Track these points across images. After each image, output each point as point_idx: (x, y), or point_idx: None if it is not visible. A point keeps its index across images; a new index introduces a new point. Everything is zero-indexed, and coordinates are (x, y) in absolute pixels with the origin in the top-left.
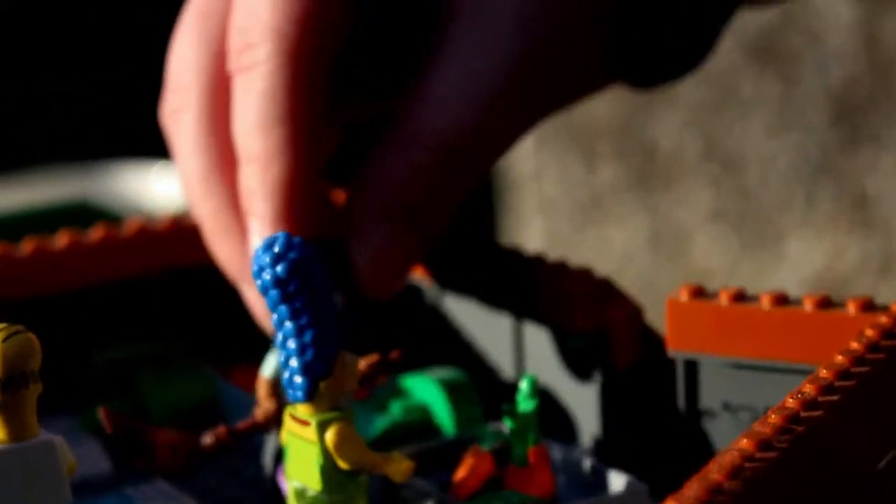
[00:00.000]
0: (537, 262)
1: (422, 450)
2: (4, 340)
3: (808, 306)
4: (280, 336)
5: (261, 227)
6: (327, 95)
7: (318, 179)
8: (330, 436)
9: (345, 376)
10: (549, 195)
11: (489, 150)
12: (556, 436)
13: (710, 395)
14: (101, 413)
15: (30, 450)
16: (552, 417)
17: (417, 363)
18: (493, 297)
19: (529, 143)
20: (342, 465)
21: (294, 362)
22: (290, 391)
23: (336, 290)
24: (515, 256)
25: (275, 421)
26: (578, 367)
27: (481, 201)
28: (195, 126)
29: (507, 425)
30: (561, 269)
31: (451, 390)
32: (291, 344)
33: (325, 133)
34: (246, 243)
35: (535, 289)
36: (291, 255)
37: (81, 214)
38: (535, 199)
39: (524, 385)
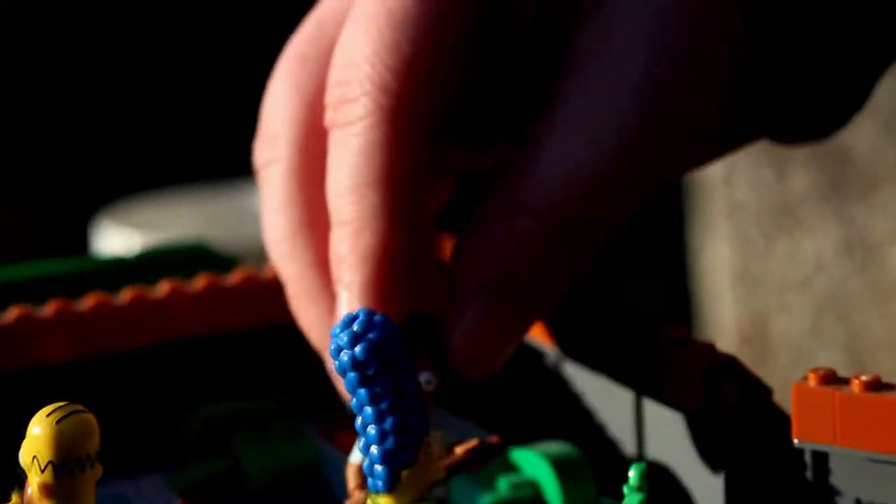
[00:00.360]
0: (659, 332)
1: None
2: (59, 422)
3: None
4: (359, 421)
5: (349, 297)
6: (433, 152)
7: (419, 248)
8: None
9: (430, 465)
10: (739, 200)
11: (606, 221)
12: None
13: (842, 491)
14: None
15: None
16: (671, 499)
17: (532, 434)
18: (613, 367)
19: None
20: None
21: (374, 450)
22: (370, 481)
23: (432, 371)
24: (637, 325)
25: None
26: (699, 449)
27: (669, 205)
28: (284, 181)
29: None
30: (681, 341)
31: (564, 468)
32: (371, 430)
33: (430, 193)
34: (331, 310)
35: (653, 362)
36: (371, 335)
37: (195, 257)
38: (725, 205)
39: (632, 474)
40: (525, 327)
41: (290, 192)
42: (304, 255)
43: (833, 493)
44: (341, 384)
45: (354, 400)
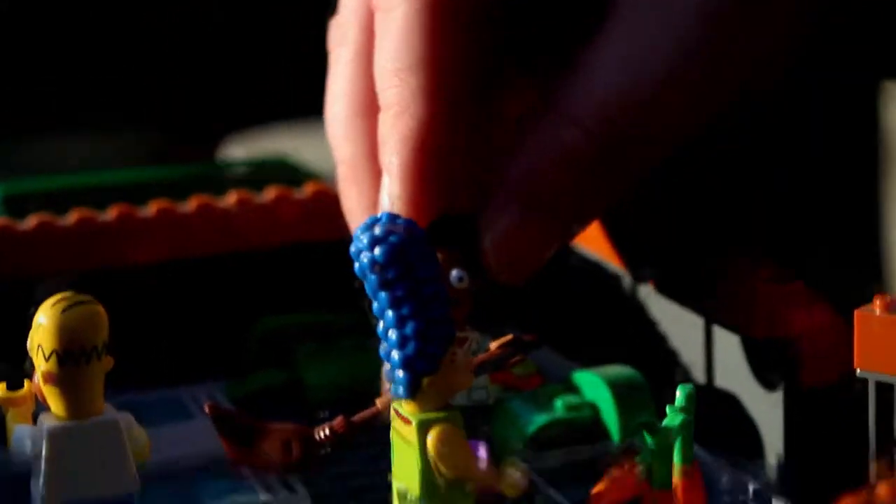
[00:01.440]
0: (733, 259)
1: (575, 455)
2: (64, 311)
3: None
4: (381, 326)
5: (388, 182)
6: (485, 48)
7: (463, 135)
8: (431, 439)
9: (454, 373)
10: None
11: (656, 140)
12: (740, 450)
13: None
14: (206, 408)
15: (89, 428)
16: (737, 430)
17: (603, 357)
18: (686, 293)
19: None
20: (444, 473)
21: (395, 355)
22: (392, 387)
23: (467, 272)
24: (714, 252)
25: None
26: (766, 378)
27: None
28: (348, 65)
29: (647, 442)
30: (751, 269)
31: (622, 392)
32: (392, 335)
33: (494, 91)
34: (374, 196)
35: (724, 289)
36: (392, 238)
37: (280, 171)
38: None
39: (678, 395)
40: (559, 239)
41: (352, 76)
42: (358, 138)
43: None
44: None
45: (376, 304)
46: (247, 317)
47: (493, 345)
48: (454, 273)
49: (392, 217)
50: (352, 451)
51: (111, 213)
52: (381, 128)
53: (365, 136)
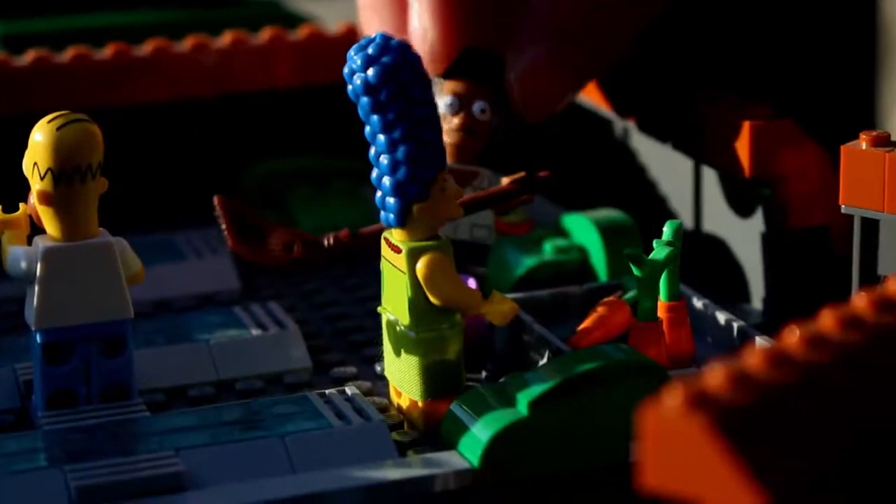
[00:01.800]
0: (721, 99)
1: (560, 293)
2: (59, 129)
3: None
4: (372, 151)
5: (418, 8)
6: None
7: None
8: (420, 266)
9: (444, 202)
10: None
11: None
12: (727, 292)
13: (891, 259)
14: (215, 200)
15: (83, 249)
16: (724, 272)
17: (595, 202)
18: (676, 137)
19: None
20: (433, 299)
21: (386, 181)
22: (383, 214)
23: (492, 107)
24: (705, 95)
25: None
26: (753, 219)
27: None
28: None
29: (634, 274)
30: (739, 107)
31: (611, 234)
32: (384, 160)
33: None
34: (396, 22)
35: (713, 130)
36: (385, 58)
37: (273, 13)
38: None
39: (665, 229)
40: (586, 73)
41: None
42: None
43: (882, 262)
44: None
45: (368, 128)
46: (241, 161)
47: (505, 180)
48: (476, 104)
49: (386, 38)
50: (346, 292)
51: (107, 52)
52: None
53: None
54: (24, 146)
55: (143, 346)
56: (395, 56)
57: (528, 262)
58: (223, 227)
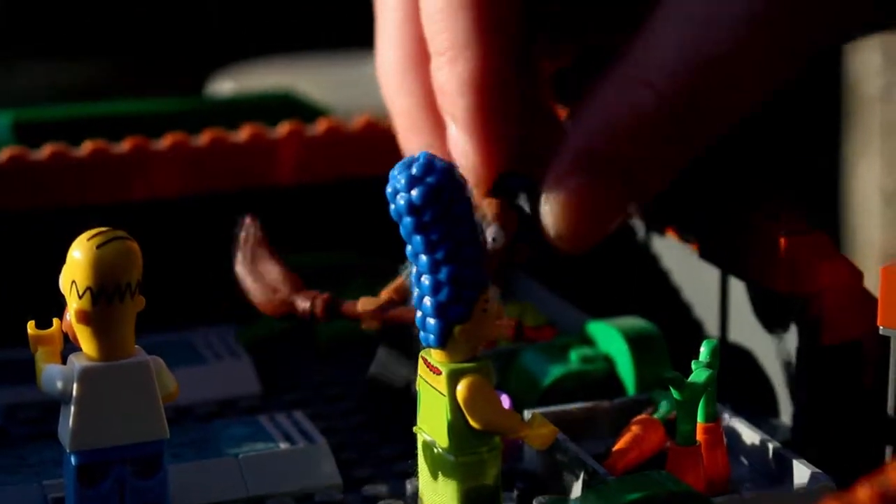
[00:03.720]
0: (752, 211)
1: (591, 408)
2: (100, 247)
3: None
4: (414, 271)
5: (455, 131)
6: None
7: (519, 77)
8: (461, 390)
9: (486, 322)
10: None
11: (727, 103)
12: (753, 406)
13: None
14: (247, 218)
15: (120, 369)
16: (751, 384)
17: (617, 307)
18: (703, 244)
19: (877, 61)
20: (473, 423)
21: (427, 301)
22: (422, 333)
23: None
24: (732, 202)
25: (373, 315)
26: (784, 333)
27: (823, 119)
28: (399, 13)
29: (673, 397)
30: (773, 221)
31: (638, 344)
32: (426, 280)
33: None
34: (436, 143)
35: (744, 241)
36: (430, 179)
37: (283, 107)
38: (881, 122)
39: (703, 350)
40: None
41: (401, 25)
42: (413, 87)
43: None
44: None
45: (410, 247)
46: None
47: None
48: (491, 230)
49: (430, 158)
50: (374, 404)
51: (124, 146)
52: (437, 75)
53: (421, 85)
54: (39, 239)
55: (171, 460)
56: (439, 177)
57: (554, 371)
58: (240, 246)
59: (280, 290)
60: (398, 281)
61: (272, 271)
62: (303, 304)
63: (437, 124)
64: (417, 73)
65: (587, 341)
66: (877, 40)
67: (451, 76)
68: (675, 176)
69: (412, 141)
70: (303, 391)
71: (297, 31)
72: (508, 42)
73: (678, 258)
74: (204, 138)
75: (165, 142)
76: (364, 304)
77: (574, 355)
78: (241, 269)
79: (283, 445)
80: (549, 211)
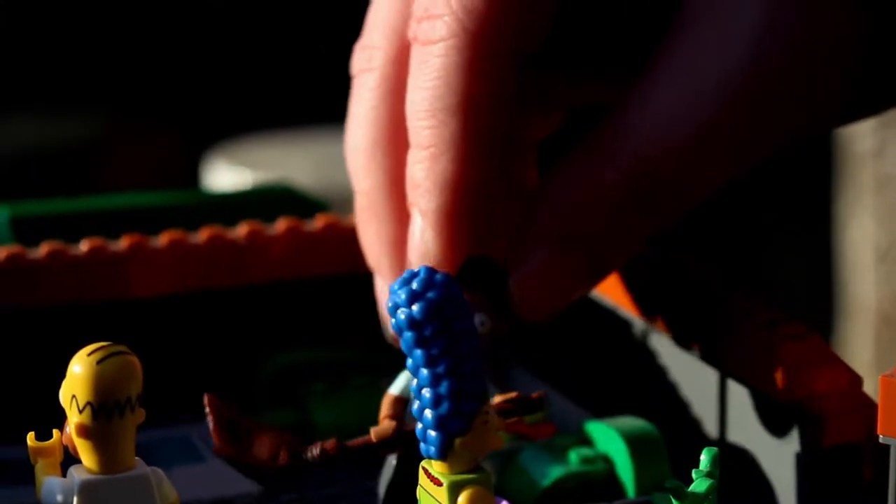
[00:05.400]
0: (751, 313)
1: None
2: (100, 362)
3: None
4: (414, 384)
5: (423, 224)
6: (524, 82)
7: (500, 180)
8: (462, 501)
9: (486, 434)
10: (889, 174)
11: (693, 184)
12: None
13: None
14: (205, 399)
15: (121, 483)
16: (751, 488)
17: (614, 405)
18: (701, 343)
19: (870, 122)
20: None
21: (428, 414)
22: (423, 445)
23: (486, 313)
24: (731, 303)
25: (390, 443)
26: (783, 438)
27: (816, 176)
28: (373, 92)
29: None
30: (771, 325)
31: (637, 445)
32: (426, 394)
33: (523, 125)
34: (394, 231)
35: (742, 344)
36: (430, 294)
37: (282, 200)
38: (873, 178)
39: (703, 459)
40: (589, 277)
41: (376, 105)
42: (379, 169)
43: None
44: (384, 309)
45: (410, 361)
46: (257, 354)
47: (497, 399)
48: (477, 318)
49: (430, 272)
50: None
51: (122, 244)
52: (413, 167)
53: (386, 167)
54: (38, 338)
55: None
56: (440, 292)
57: (554, 472)
58: (210, 426)
59: (280, 441)
60: (388, 398)
61: (257, 438)
62: (312, 449)
63: (400, 210)
64: (385, 155)
65: (586, 441)
66: None
67: (429, 173)
68: (639, 248)
69: (370, 223)
70: (301, 491)
71: (293, 105)
72: (495, 146)
73: (673, 356)
74: (202, 235)
75: (164, 239)
76: (378, 434)
77: (574, 455)
78: (224, 450)
79: None
80: (517, 282)
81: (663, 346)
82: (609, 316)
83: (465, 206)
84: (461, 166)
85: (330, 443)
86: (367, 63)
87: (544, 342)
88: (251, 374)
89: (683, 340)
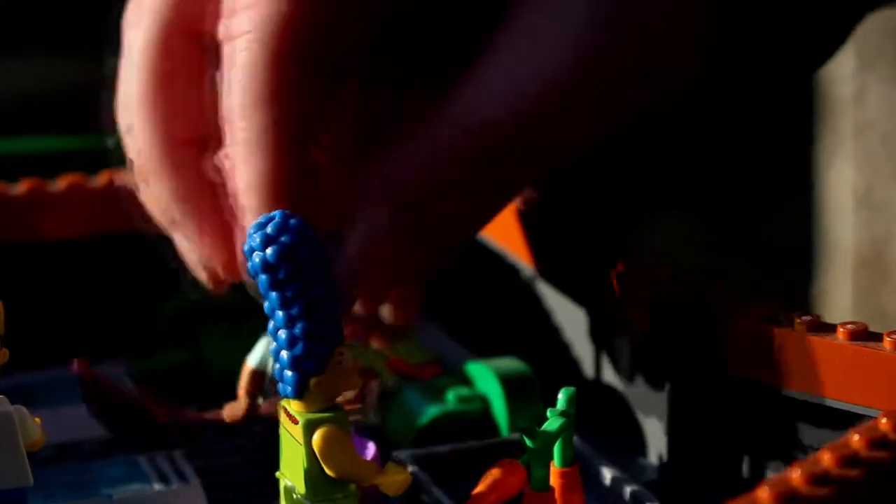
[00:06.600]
0: (617, 256)
1: (460, 449)
2: None
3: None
4: (271, 325)
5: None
6: (343, 82)
7: (311, 171)
8: (317, 439)
9: (341, 375)
10: (868, 120)
11: (536, 150)
12: (624, 446)
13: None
14: (75, 363)
15: None
16: (622, 427)
17: (500, 346)
18: (578, 287)
19: (850, 64)
20: (328, 471)
21: (284, 355)
22: (280, 385)
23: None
24: (607, 250)
25: (246, 420)
26: (645, 375)
27: (796, 123)
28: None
29: (526, 445)
30: (632, 268)
31: (512, 385)
32: (282, 335)
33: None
34: (176, 188)
35: (608, 287)
36: (284, 238)
37: None
38: (853, 124)
39: (560, 398)
40: (426, 257)
41: (149, 56)
42: (156, 127)
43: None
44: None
45: (266, 303)
46: (155, 296)
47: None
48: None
49: (285, 217)
50: (247, 439)
51: (21, 188)
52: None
53: (161, 123)
54: None
55: (43, 500)
56: (293, 236)
57: (431, 411)
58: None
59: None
60: (247, 370)
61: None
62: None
63: (179, 168)
64: (161, 112)
65: (466, 381)
66: (850, 45)
67: (246, 167)
68: (479, 225)
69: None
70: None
71: None
72: (306, 136)
73: (556, 300)
74: (101, 179)
75: (62, 184)
76: (230, 412)
77: (451, 395)
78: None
79: (158, 486)
80: (344, 248)
81: (547, 292)
82: (497, 260)
83: (282, 202)
84: (273, 161)
85: (189, 413)
86: (136, 18)
87: (434, 284)
88: (151, 317)
89: (567, 288)
